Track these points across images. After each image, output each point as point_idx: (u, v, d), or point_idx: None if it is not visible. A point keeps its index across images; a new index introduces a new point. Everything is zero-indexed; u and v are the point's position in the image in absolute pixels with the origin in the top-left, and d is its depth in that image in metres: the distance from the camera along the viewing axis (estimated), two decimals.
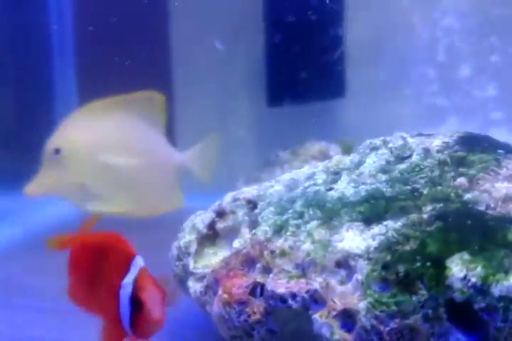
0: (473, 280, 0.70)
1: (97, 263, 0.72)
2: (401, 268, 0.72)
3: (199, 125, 2.11)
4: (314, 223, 0.84)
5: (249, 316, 0.81)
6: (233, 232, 0.96)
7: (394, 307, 0.71)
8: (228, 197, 1.02)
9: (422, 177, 0.86)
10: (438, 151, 0.90)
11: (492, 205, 0.79)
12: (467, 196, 0.81)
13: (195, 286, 0.93)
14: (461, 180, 0.84)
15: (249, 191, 1.02)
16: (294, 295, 0.78)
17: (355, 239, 0.79)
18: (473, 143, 0.91)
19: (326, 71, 2.09)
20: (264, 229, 0.88)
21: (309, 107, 2.08)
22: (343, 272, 0.78)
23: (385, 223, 0.79)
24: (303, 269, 0.80)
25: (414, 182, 0.86)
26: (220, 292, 0.84)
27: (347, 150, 1.08)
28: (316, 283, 0.77)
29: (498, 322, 0.69)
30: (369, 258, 0.75)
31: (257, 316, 0.80)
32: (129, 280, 0.68)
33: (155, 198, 1.65)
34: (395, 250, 0.75)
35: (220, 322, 0.84)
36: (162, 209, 1.61)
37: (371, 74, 2.13)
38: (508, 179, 0.83)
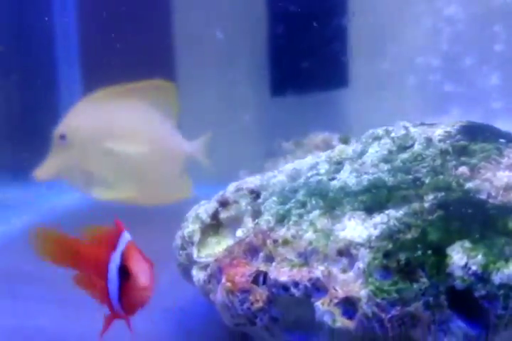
0: (473, 268, 0.70)
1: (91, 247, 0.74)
2: (402, 257, 0.73)
3: (202, 115, 2.12)
4: (316, 212, 0.85)
5: (252, 304, 0.81)
6: (236, 222, 0.97)
7: (395, 295, 0.72)
8: (231, 187, 1.02)
9: (423, 167, 0.86)
10: (440, 141, 0.90)
11: (493, 194, 0.80)
12: (469, 185, 0.81)
13: (198, 275, 0.94)
14: (463, 169, 0.84)
15: (252, 181, 1.02)
16: (296, 284, 0.79)
17: (357, 228, 0.80)
18: (475, 133, 0.91)
19: (329, 61, 2.08)
20: (266, 219, 0.88)
21: (312, 97, 2.08)
22: (344, 260, 0.78)
23: (386, 212, 0.80)
24: (305, 258, 0.81)
25: (416, 171, 0.86)
26: (223, 280, 0.85)
27: (345, 143, 1.09)
28: (318, 271, 0.78)
29: (498, 310, 0.70)
30: (371, 247, 0.76)
31: (260, 304, 0.81)
32: (117, 253, 0.70)
33: (161, 187, 1.66)
34: (397, 238, 0.76)
35: (223, 310, 0.85)
36: (169, 198, 1.62)
37: (374, 65, 2.13)
38: (510, 168, 0.83)
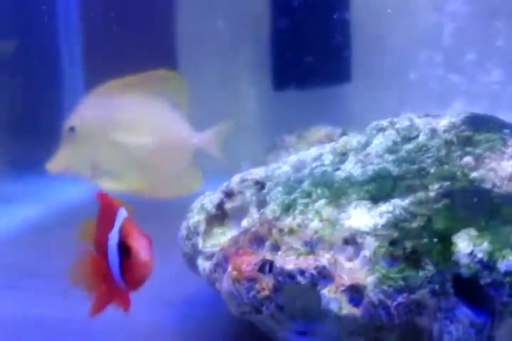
0: (479, 255, 0.71)
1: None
2: (408, 244, 0.74)
3: (204, 109, 2.12)
4: (322, 202, 0.85)
5: (258, 292, 0.82)
6: (241, 212, 0.98)
7: (401, 282, 0.72)
8: (236, 178, 1.03)
9: (428, 157, 0.87)
10: (445, 131, 0.91)
11: (498, 184, 0.80)
12: (473, 174, 0.82)
13: (204, 264, 0.94)
14: (468, 159, 0.84)
15: (256, 172, 1.03)
16: (302, 272, 0.79)
17: (362, 217, 0.80)
18: (479, 123, 0.92)
19: (332, 56, 2.09)
20: (272, 208, 0.89)
21: (315, 92, 2.08)
22: (350, 249, 0.79)
23: (392, 201, 0.80)
24: (311, 246, 0.81)
25: (421, 161, 0.86)
26: (229, 269, 0.85)
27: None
28: (324, 259, 0.78)
29: (504, 297, 0.70)
30: (376, 235, 0.76)
31: (266, 292, 0.82)
32: (114, 231, 0.70)
33: (169, 179, 1.65)
34: (402, 227, 0.76)
35: (229, 299, 0.86)
36: (177, 191, 1.62)
37: (377, 59, 2.13)
38: None
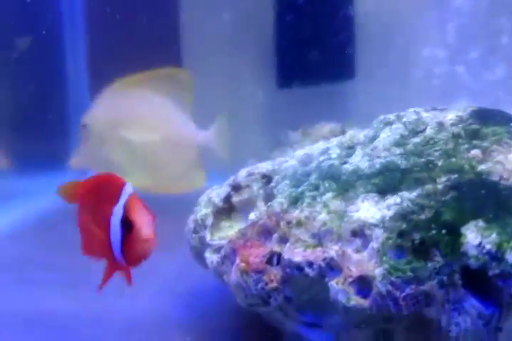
0: (487, 247, 0.71)
1: (93, 201, 0.75)
2: (417, 236, 0.74)
3: (208, 106, 2.12)
4: (330, 194, 0.86)
5: (266, 284, 0.82)
6: (249, 205, 0.98)
7: (410, 274, 0.72)
8: (243, 172, 1.03)
9: (436, 150, 0.87)
10: (452, 125, 0.91)
11: (505, 176, 0.80)
12: (481, 167, 0.82)
13: (212, 257, 0.95)
14: (475, 152, 0.85)
15: (263, 166, 1.03)
16: (310, 263, 0.79)
17: (370, 210, 0.81)
18: (486, 117, 0.92)
19: (336, 53, 2.09)
20: (280, 201, 0.89)
21: (319, 89, 2.08)
22: (358, 241, 0.79)
23: (400, 194, 0.81)
24: (319, 239, 0.82)
25: (428, 154, 0.87)
26: (237, 261, 0.86)
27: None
28: (333, 251, 0.78)
29: None
30: (384, 227, 0.77)
31: (274, 284, 0.82)
32: (119, 206, 0.70)
33: (174, 176, 1.66)
34: (410, 219, 0.77)
35: (237, 291, 0.86)
36: (180, 188, 1.63)
37: (381, 56, 2.13)
38: None
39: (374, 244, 0.76)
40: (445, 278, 0.72)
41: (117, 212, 0.70)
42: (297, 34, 2.11)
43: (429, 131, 0.91)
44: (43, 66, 2.19)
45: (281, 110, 2.15)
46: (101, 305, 1.06)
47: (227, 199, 1.00)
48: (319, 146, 1.03)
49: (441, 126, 0.92)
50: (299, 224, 0.84)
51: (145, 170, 1.61)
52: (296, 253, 0.81)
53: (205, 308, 1.04)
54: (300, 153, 1.03)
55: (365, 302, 0.75)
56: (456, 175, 0.81)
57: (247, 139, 2.03)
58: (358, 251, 0.78)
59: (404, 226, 0.76)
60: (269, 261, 0.84)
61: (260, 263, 0.83)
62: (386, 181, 0.84)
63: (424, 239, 0.74)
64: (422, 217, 0.76)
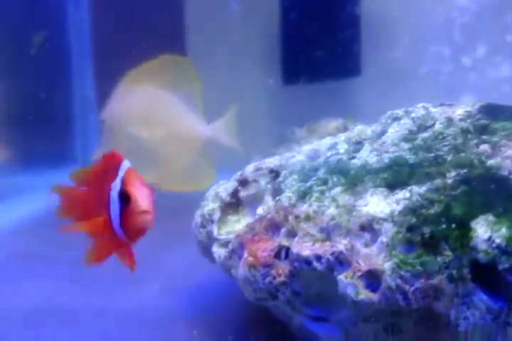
0: (497, 241, 0.71)
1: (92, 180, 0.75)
2: (426, 230, 0.74)
3: (213, 102, 2.12)
4: (338, 189, 0.85)
5: (274, 278, 0.82)
6: (256, 200, 0.98)
7: (419, 268, 0.72)
8: (250, 167, 1.03)
9: (445, 145, 0.87)
10: (461, 120, 0.91)
11: None
12: (490, 162, 0.82)
13: (219, 251, 0.95)
14: (484, 147, 0.84)
15: (271, 161, 1.03)
16: (319, 257, 0.79)
17: (379, 204, 0.80)
18: (495, 112, 0.92)
19: (341, 50, 2.09)
20: (288, 195, 0.89)
21: (325, 86, 2.08)
22: (367, 235, 0.79)
23: (409, 188, 0.80)
24: (327, 233, 0.81)
25: (437, 149, 0.87)
26: (245, 255, 0.85)
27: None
28: (341, 245, 0.78)
29: None
30: (394, 221, 0.77)
31: (282, 278, 0.82)
32: (117, 180, 0.71)
33: (180, 173, 1.64)
34: (420, 213, 0.76)
35: (245, 285, 0.86)
36: (190, 186, 1.61)
37: (386, 53, 2.13)
38: None
39: (383, 238, 0.76)
40: (454, 272, 0.72)
41: (115, 186, 0.70)
42: (303, 31, 2.10)
43: (437, 126, 0.91)
44: (49, 63, 2.19)
45: (286, 106, 2.15)
46: (107, 298, 1.06)
47: (235, 194, 1.00)
48: (327, 142, 1.02)
49: (450, 121, 0.91)
50: (308, 218, 0.84)
51: (153, 167, 1.60)
52: (304, 247, 0.81)
53: (212, 302, 1.04)
54: (307, 148, 1.03)
55: (374, 296, 0.74)
56: (465, 170, 0.81)
57: (252, 136, 2.03)
58: (366, 245, 0.78)
59: (413, 220, 0.76)
60: (277, 255, 0.84)
61: (268, 257, 0.83)
62: (395, 176, 0.84)
63: (433, 233, 0.73)
64: (432, 211, 0.76)
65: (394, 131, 0.95)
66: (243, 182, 1.01)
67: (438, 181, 0.80)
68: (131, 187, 0.69)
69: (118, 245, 0.73)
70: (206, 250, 1.00)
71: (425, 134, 0.91)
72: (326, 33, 2.08)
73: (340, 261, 0.78)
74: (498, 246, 0.71)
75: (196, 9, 2.22)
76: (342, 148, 0.97)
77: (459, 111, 0.93)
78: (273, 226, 0.88)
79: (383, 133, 0.97)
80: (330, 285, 0.80)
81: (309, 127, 1.83)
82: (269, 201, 0.95)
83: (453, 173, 0.81)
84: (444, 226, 0.74)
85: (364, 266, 0.76)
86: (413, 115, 0.96)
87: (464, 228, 0.73)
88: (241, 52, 2.20)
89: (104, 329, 0.97)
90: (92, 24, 2.33)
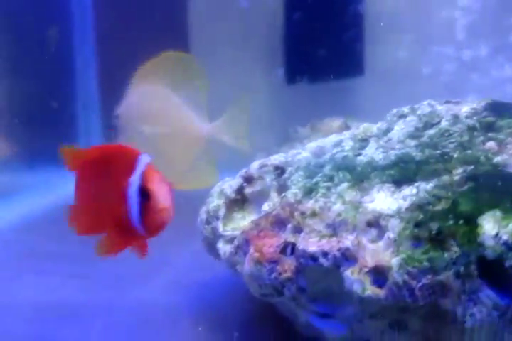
0: (504, 237, 0.71)
1: (102, 173, 0.74)
2: (434, 226, 0.74)
3: (216, 101, 2.11)
4: (344, 185, 0.85)
5: (280, 274, 0.82)
6: (261, 197, 0.98)
7: (426, 264, 0.72)
8: (255, 164, 1.03)
9: (451, 142, 0.87)
10: (467, 117, 0.91)
11: None
12: (497, 159, 0.82)
13: (224, 247, 0.95)
14: (491, 144, 0.84)
15: (276, 158, 1.03)
16: (325, 253, 0.79)
17: (386, 200, 0.80)
18: (501, 109, 0.92)
19: (345, 49, 2.09)
20: (294, 192, 0.89)
21: (328, 85, 2.08)
22: (373, 231, 0.79)
23: (416, 184, 0.80)
24: (334, 229, 0.81)
25: (443, 146, 0.87)
26: (251, 251, 0.85)
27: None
28: (348, 241, 0.78)
29: None
30: (401, 218, 0.76)
31: (288, 274, 0.82)
32: (135, 175, 0.69)
33: (183, 172, 1.63)
34: (427, 210, 0.76)
35: (250, 281, 0.86)
36: (191, 185, 1.60)
37: (390, 53, 2.13)
38: None
39: (390, 234, 0.76)
40: (461, 268, 0.72)
41: (134, 181, 0.69)
42: (306, 30, 2.10)
43: (444, 124, 0.91)
44: (52, 60, 2.19)
45: (289, 105, 2.15)
46: (112, 295, 1.06)
47: (240, 190, 1.00)
48: (332, 139, 1.02)
49: (456, 118, 0.92)
50: (314, 214, 0.84)
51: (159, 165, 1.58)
52: (310, 243, 0.81)
53: (217, 298, 1.04)
54: (313, 145, 1.03)
55: (380, 292, 0.74)
56: (472, 167, 0.81)
57: (255, 134, 2.02)
58: (373, 241, 0.78)
59: (420, 216, 0.75)
60: (283, 251, 0.83)
61: (274, 253, 0.83)
62: (401, 172, 0.84)
63: (441, 229, 0.73)
64: (439, 207, 0.76)
65: (400, 128, 0.95)
66: (248, 179, 1.01)
67: (445, 178, 0.80)
68: (152, 184, 0.68)
69: (134, 239, 0.72)
70: (211, 246, 1.00)
71: (431, 131, 0.91)
72: (329, 33, 2.08)
73: (347, 257, 0.78)
74: (506, 243, 0.71)
75: (199, 8, 2.22)
76: (347, 145, 0.97)
77: (465, 109, 0.93)
78: (279, 223, 0.87)
79: (389, 130, 0.97)
80: (336, 282, 0.80)
81: (313, 126, 1.83)
82: (274, 198, 0.95)
83: (460, 170, 0.81)
84: (451, 222, 0.74)
85: (371, 262, 0.76)
86: (419, 112, 0.96)
87: (471, 224, 0.73)
88: (244, 51, 2.20)
89: (109, 326, 0.97)
90: (95, 21, 2.33)
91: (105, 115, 2.30)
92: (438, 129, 0.90)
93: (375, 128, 1.00)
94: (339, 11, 2.07)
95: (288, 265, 0.82)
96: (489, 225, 0.72)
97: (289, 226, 0.85)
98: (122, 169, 0.71)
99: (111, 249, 0.72)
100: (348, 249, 0.78)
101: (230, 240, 0.94)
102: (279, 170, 0.99)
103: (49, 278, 1.16)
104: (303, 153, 1.01)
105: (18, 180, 1.90)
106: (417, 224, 0.75)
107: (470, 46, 2.16)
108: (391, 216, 0.78)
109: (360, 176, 0.86)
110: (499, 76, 2.15)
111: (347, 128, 1.74)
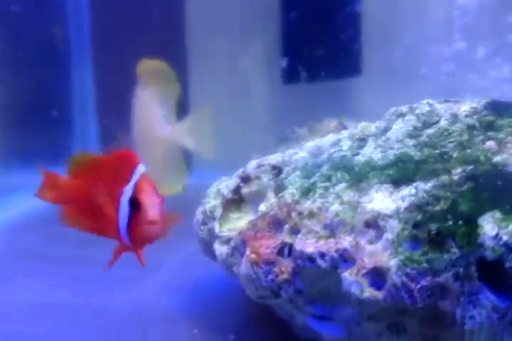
0: (504, 238, 0.70)
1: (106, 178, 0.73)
2: (433, 227, 0.73)
3: (214, 102, 2.11)
4: (342, 185, 0.84)
5: (276, 276, 0.81)
6: (258, 197, 0.96)
7: (425, 265, 0.71)
8: (252, 164, 1.02)
9: (450, 142, 0.86)
10: (466, 116, 0.90)
11: None
12: (496, 158, 0.80)
13: (220, 249, 0.93)
14: (490, 144, 0.83)
15: (273, 158, 1.02)
16: (322, 255, 0.78)
17: (384, 200, 0.79)
18: (500, 109, 0.91)
19: (342, 49, 2.08)
20: (291, 192, 0.88)
21: (325, 85, 2.07)
22: (372, 232, 0.78)
23: (414, 184, 0.79)
24: (331, 230, 0.80)
25: (443, 146, 0.85)
26: (247, 252, 0.84)
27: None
28: (346, 242, 0.77)
29: None
30: (399, 218, 0.75)
31: (285, 275, 0.81)
32: (129, 185, 0.69)
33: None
34: (426, 210, 0.75)
35: (247, 283, 0.85)
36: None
37: (388, 53, 2.12)
38: None
39: (388, 235, 0.75)
40: (461, 270, 0.71)
41: (127, 191, 0.69)
42: (304, 30, 2.09)
43: (443, 123, 0.90)
44: (48, 60, 2.18)
45: (287, 106, 2.14)
46: (107, 296, 1.05)
47: (237, 190, 0.99)
48: (329, 138, 1.01)
49: (455, 117, 0.90)
50: (311, 214, 0.83)
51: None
52: (308, 244, 0.80)
53: (213, 300, 1.03)
54: (310, 145, 1.02)
55: (379, 294, 0.73)
56: (471, 166, 0.80)
57: (252, 135, 2.02)
58: (371, 242, 0.77)
59: (419, 217, 0.74)
60: (280, 252, 0.82)
61: (271, 255, 0.82)
62: (400, 172, 0.83)
63: (440, 229, 0.72)
64: (438, 207, 0.75)
65: (398, 128, 0.93)
66: (245, 179, 1.00)
67: (444, 178, 0.79)
68: (143, 195, 0.68)
69: (125, 248, 0.72)
70: (207, 247, 0.99)
71: (430, 131, 0.89)
72: (327, 32, 2.07)
73: (345, 259, 0.77)
74: (506, 243, 0.70)
75: (196, 8, 2.21)
76: (345, 144, 0.95)
77: (464, 108, 0.92)
78: (276, 223, 0.86)
79: (387, 129, 0.95)
80: (333, 283, 0.78)
81: (310, 126, 1.82)
82: (271, 198, 0.93)
83: (459, 170, 0.80)
84: (450, 222, 0.73)
85: (369, 263, 0.75)
86: (418, 111, 0.95)
87: (471, 225, 0.72)
88: (241, 51, 2.19)
89: (104, 327, 0.95)
90: (91, 21, 2.32)
91: (101, 116, 2.29)
92: (437, 128, 0.89)
93: (373, 127, 0.99)
94: (336, 11, 2.06)
95: (285, 266, 0.81)
96: (489, 226, 0.71)
97: (286, 226, 0.84)
98: (121, 177, 0.71)
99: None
100: (346, 250, 0.77)
101: (227, 241, 0.93)
102: (277, 170, 0.98)
103: (43, 279, 1.15)
104: (300, 152, 1.00)
105: (14, 181, 1.89)
106: (416, 225, 0.74)
107: (468, 46, 2.15)
108: (389, 216, 0.77)
109: (359, 176, 0.85)
110: (497, 77, 2.14)
111: (344, 128, 1.73)
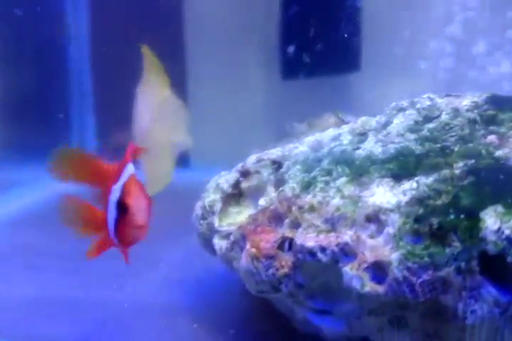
0: (507, 232, 0.69)
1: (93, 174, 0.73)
2: (434, 221, 0.72)
3: (213, 98, 2.10)
4: (343, 179, 0.84)
5: (277, 270, 0.81)
6: (258, 191, 0.96)
7: (427, 259, 0.71)
8: (252, 159, 1.01)
9: (452, 136, 0.85)
10: (467, 110, 0.89)
11: None
12: (498, 153, 0.80)
13: (220, 243, 0.93)
14: (492, 138, 0.83)
15: (273, 152, 1.01)
16: (323, 249, 0.78)
17: (385, 195, 0.79)
18: (502, 103, 0.90)
19: (341, 44, 2.07)
20: (291, 186, 0.87)
21: (325, 80, 2.06)
22: (373, 226, 0.77)
23: (416, 179, 0.79)
24: (332, 224, 0.80)
25: (444, 140, 0.85)
26: (248, 246, 0.84)
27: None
28: (347, 236, 0.77)
29: None
30: (400, 212, 0.75)
31: (285, 270, 0.80)
32: (118, 186, 0.69)
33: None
34: (427, 204, 0.75)
35: (247, 277, 0.84)
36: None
37: (387, 48, 2.11)
38: None
39: (390, 229, 0.75)
40: (463, 264, 0.71)
41: (115, 191, 0.69)
42: (303, 25, 2.08)
43: (444, 117, 0.89)
44: (47, 56, 2.17)
45: (286, 101, 2.13)
46: (107, 291, 1.04)
47: (236, 185, 0.99)
48: (330, 133, 1.01)
49: (456, 111, 0.90)
50: (312, 209, 0.82)
51: None
52: (308, 239, 0.79)
53: (213, 295, 1.02)
54: (311, 139, 1.01)
55: (380, 288, 0.73)
56: (473, 161, 0.79)
57: (251, 130, 2.01)
58: (372, 236, 0.77)
59: (421, 211, 0.74)
60: (280, 247, 0.82)
61: (271, 249, 0.82)
62: (401, 166, 0.82)
63: (441, 223, 0.72)
64: (439, 202, 0.74)
65: (399, 122, 0.93)
66: (245, 174, 0.99)
67: (445, 172, 0.78)
68: (131, 198, 0.67)
69: (112, 245, 0.72)
70: (207, 242, 0.99)
71: (431, 125, 0.89)
72: (326, 27, 2.06)
73: (346, 253, 0.76)
74: (508, 238, 0.69)
75: (195, 4, 2.20)
76: (346, 139, 0.95)
77: (465, 102, 0.92)
78: (276, 218, 0.86)
79: (388, 124, 0.95)
80: (334, 278, 0.78)
81: (310, 122, 1.81)
82: (271, 192, 0.93)
83: (460, 164, 0.79)
84: (452, 217, 0.72)
85: (370, 258, 0.74)
86: (418, 106, 0.95)
87: (473, 219, 0.72)
88: (240, 47, 2.18)
89: (104, 322, 0.95)
90: (90, 16, 2.31)
91: (99, 111, 2.29)
92: (438, 123, 0.89)
93: (373, 122, 0.98)
94: (336, 6, 2.05)
95: (285, 261, 0.81)
96: (491, 220, 0.71)
97: (287, 221, 0.84)
98: (113, 175, 0.70)
99: (94, 249, 0.72)
100: (347, 244, 0.76)
101: (226, 236, 0.93)
102: (276, 164, 0.98)
103: (42, 273, 1.15)
104: (300, 147, 0.99)
105: (12, 176, 1.88)
106: (417, 219, 0.73)
107: (467, 42, 2.15)
108: (391, 210, 0.76)
109: (359, 170, 0.85)
110: (496, 73, 2.13)
111: (343, 123, 1.72)
